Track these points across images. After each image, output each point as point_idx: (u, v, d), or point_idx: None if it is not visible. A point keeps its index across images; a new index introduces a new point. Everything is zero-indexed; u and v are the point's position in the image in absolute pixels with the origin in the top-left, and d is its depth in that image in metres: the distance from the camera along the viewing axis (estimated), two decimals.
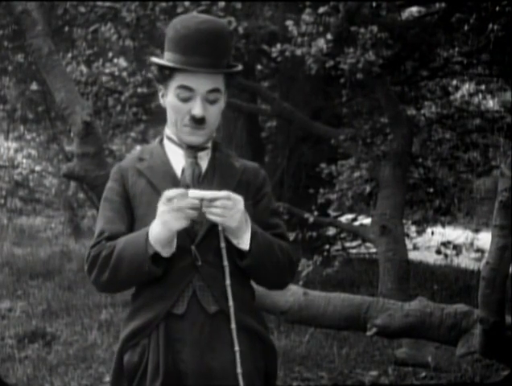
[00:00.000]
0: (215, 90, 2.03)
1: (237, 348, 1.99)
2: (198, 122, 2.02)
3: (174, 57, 2.01)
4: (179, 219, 1.90)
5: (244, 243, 1.98)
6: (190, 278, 2.00)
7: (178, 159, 2.08)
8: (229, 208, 1.92)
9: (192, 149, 2.08)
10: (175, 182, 2.04)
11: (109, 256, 1.98)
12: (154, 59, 2.07)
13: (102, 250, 1.99)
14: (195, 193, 1.92)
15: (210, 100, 2.03)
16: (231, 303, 2.00)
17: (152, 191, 2.04)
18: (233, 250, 2.00)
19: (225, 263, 2.00)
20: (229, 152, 2.17)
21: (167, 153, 2.10)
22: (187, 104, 2.02)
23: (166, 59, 2.03)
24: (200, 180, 2.05)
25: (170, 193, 1.91)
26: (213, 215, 1.92)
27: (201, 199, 1.91)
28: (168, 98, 2.06)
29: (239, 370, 1.99)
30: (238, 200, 1.95)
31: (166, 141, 2.12)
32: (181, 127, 2.05)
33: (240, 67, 2.09)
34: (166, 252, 1.95)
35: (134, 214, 2.06)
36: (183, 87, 2.02)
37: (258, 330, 2.08)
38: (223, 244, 2.00)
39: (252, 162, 2.21)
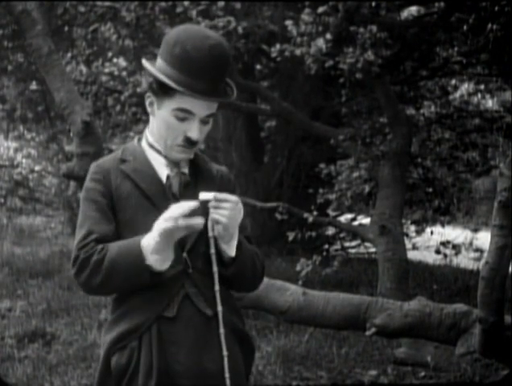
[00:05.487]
0: (212, 114, 2.03)
1: (225, 353, 2.02)
2: (192, 144, 2.02)
3: (178, 77, 1.95)
4: (180, 231, 1.91)
5: (231, 249, 2.01)
6: (181, 284, 2.01)
7: (159, 166, 2.06)
8: (235, 212, 1.94)
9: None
10: (162, 188, 2.04)
11: (100, 261, 1.95)
12: (159, 75, 1.97)
13: (93, 253, 1.97)
14: (206, 195, 1.93)
15: (204, 121, 2.02)
16: (220, 308, 2.02)
17: (139, 195, 2.03)
18: (220, 257, 2.03)
19: (215, 269, 2.01)
20: (205, 157, 2.16)
21: (149, 158, 2.07)
22: (183, 124, 2.00)
23: (167, 74, 1.96)
24: (186, 189, 2.05)
25: (176, 210, 1.90)
26: (220, 215, 1.93)
27: (207, 201, 1.92)
28: (162, 113, 2.01)
29: (227, 374, 2.01)
30: (241, 208, 1.97)
31: (146, 147, 2.09)
32: (172, 145, 2.03)
33: (234, 91, 2.06)
34: (164, 267, 1.95)
35: (116, 217, 2.03)
36: (183, 110, 1.98)
37: (245, 331, 2.13)
38: (213, 250, 2.01)
39: (222, 167, 2.20)
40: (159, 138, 2.05)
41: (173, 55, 1.97)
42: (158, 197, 2.01)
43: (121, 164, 2.06)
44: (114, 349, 2.03)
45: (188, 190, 2.03)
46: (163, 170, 2.06)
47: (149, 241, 1.93)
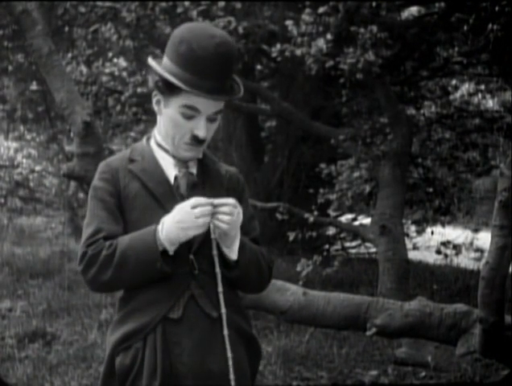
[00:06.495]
0: (219, 111, 2.03)
1: (229, 355, 2.01)
2: (199, 142, 2.02)
3: (184, 75, 1.94)
4: (199, 227, 1.93)
5: (233, 252, 2.01)
6: (187, 285, 2.01)
7: (168, 166, 2.06)
8: (234, 216, 1.94)
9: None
10: (170, 189, 2.04)
11: (111, 254, 1.95)
12: (165, 74, 1.97)
13: (102, 249, 1.96)
14: (204, 199, 1.93)
15: (212, 119, 2.02)
16: (223, 310, 2.02)
17: (147, 195, 2.02)
18: (223, 258, 2.03)
19: (217, 270, 2.01)
20: (213, 157, 2.17)
21: (157, 158, 2.07)
22: (190, 122, 2.00)
23: (173, 73, 1.96)
24: (193, 189, 2.05)
25: (196, 201, 1.92)
26: (220, 221, 1.93)
27: (211, 205, 1.93)
28: (169, 112, 2.01)
29: (232, 376, 2.01)
30: (240, 212, 1.97)
31: (155, 146, 2.09)
32: (179, 143, 2.02)
33: (241, 88, 2.06)
34: (172, 250, 1.97)
35: (124, 217, 2.03)
36: (190, 107, 1.98)
37: (251, 333, 2.12)
38: (215, 252, 2.01)
39: (232, 167, 2.21)
40: (166, 137, 2.05)
41: (179, 53, 1.96)
42: (165, 197, 2.01)
43: (130, 164, 2.06)
44: (119, 349, 2.03)
45: (196, 190, 2.02)
46: (171, 171, 2.06)
47: (167, 228, 1.94)
